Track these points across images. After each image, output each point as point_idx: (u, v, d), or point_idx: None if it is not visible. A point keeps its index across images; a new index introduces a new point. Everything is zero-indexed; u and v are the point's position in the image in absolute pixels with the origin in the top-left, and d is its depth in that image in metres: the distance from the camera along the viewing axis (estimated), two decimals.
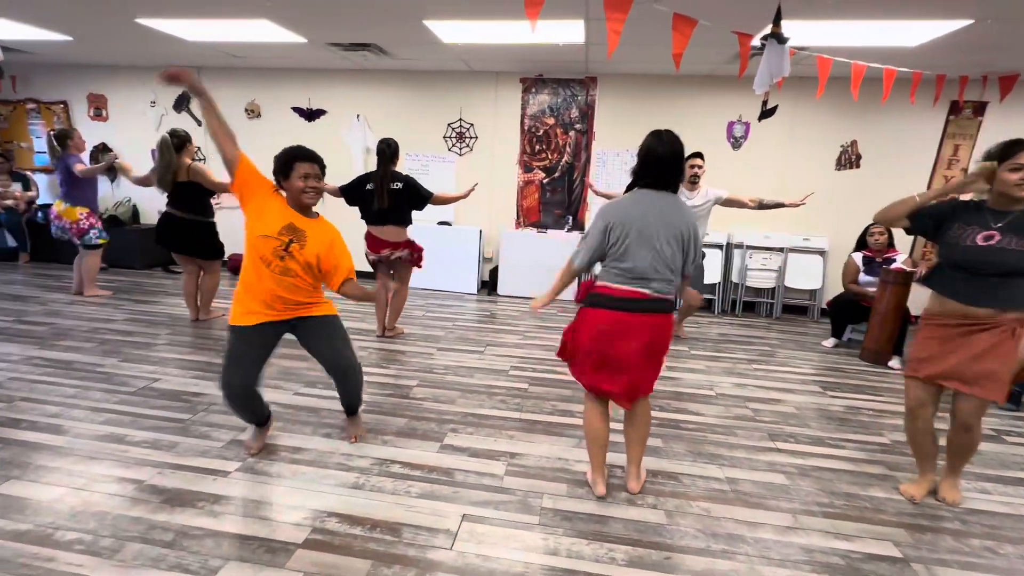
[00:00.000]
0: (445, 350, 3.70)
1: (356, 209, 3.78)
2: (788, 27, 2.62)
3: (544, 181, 5.36)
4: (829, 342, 4.25)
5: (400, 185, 3.65)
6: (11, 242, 6.01)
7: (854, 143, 4.86)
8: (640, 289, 1.87)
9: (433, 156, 5.44)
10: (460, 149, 5.43)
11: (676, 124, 4.99)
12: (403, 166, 5.57)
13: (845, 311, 4.19)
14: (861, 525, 1.96)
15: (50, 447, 2.23)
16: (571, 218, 5.38)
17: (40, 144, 6.21)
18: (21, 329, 3.71)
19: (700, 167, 3.69)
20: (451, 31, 3.78)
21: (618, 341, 1.89)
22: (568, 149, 5.24)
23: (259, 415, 2.24)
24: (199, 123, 5.78)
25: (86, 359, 3.22)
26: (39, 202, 6.21)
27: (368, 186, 3.63)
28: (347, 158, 5.62)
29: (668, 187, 1.91)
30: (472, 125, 5.35)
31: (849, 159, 4.89)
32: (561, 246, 5.24)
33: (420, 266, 3.90)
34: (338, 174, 5.65)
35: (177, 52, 4.96)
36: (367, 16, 3.56)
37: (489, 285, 5.60)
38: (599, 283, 1.95)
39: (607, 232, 1.88)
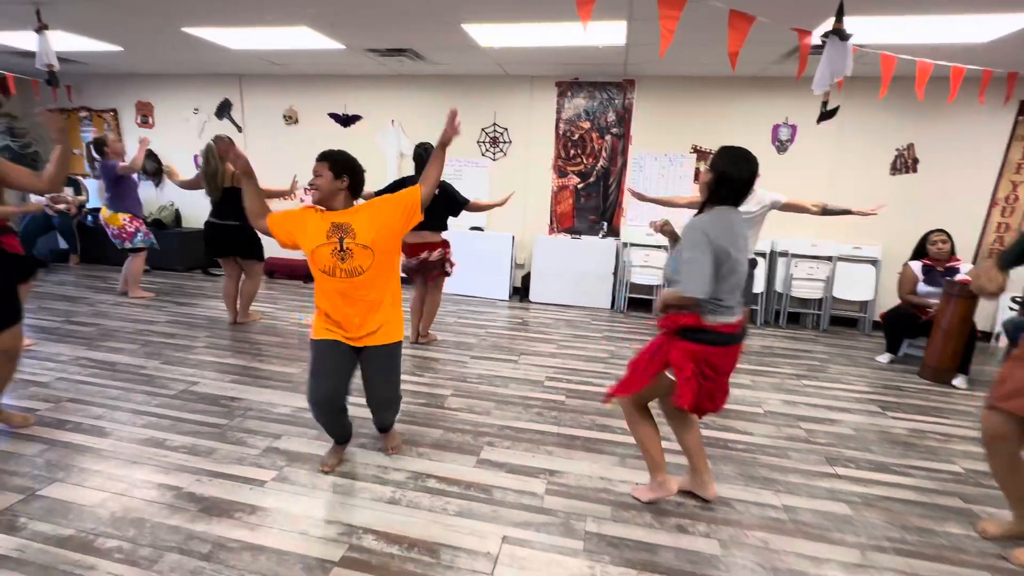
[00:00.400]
0: (479, 358, 3.64)
1: None
2: (849, 23, 2.45)
3: (579, 186, 5.25)
4: (884, 357, 3.99)
5: (436, 192, 3.60)
6: (63, 244, 6.27)
7: (911, 146, 4.58)
8: (739, 317, 1.85)
9: (467, 161, 5.41)
10: (494, 154, 5.38)
11: (718, 127, 4.88)
12: None
13: (901, 324, 3.93)
14: (939, 566, 1.78)
15: (93, 449, 2.26)
16: (606, 224, 5.25)
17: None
18: (70, 329, 3.83)
19: None
20: (489, 35, 3.73)
21: (727, 370, 1.89)
22: (604, 153, 5.12)
23: (344, 432, 2.24)
24: (240, 129, 5.93)
25: (129, 360, 3.29)
26: (88, 206, 6.48)
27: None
28: (382, 163, 5.64)
29: (739, 204, 1.86)
30: (506, 129, 5.29)
31: (905, 163, 4.61)
32: (595, 252, 5.13)
33: (449, 274, 3.85)
34: (373, 180, 5.71)
35: (221, 60, 5.08)
36: (405, 21, 3.54)
37: (521, 291, 5.52)
38: (709, 321, 1.78)
39: (715, 256, 1.74)
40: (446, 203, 3.62)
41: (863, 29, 2.96)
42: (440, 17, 3.42)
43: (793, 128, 4.70)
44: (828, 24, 2.42)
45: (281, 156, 5.83)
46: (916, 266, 3.86)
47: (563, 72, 4.95)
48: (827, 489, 2.22)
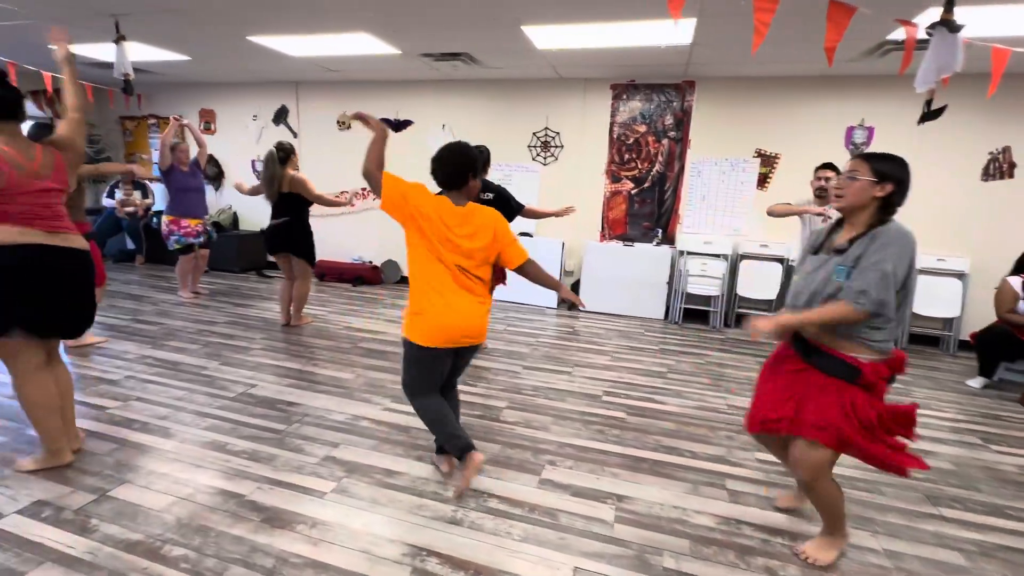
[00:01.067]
0: (532, 369, 3.53)
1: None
2: (960, 14, 2.21)
3: (632, 192, 5.08)
4: (976, 382, 3.62)
5: (491, 196, 3.54)
6: (130, 245, 6.60)
7: (1007, 149, 4.17)
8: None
9: (517, 166, 5.33)
10: (545, 159, 5.28)
11: (784, 129, 4.61)
12: (489, 177, 5.53)
13: (998, 346, 3.55)
14: None
15: (160, 451, 2.28)
16: (660, 231, 5.05)
17: (155, 156, 6.79)
18: (137, 328, 3.97)
19: (831, 180, 3.26)
20: (547, 37, 3.64)
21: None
22: (660, 158, 4.93)
23: (453, 440, 2.01)
24: (295, 135, 6.07)
25: (191, 361, 3.36)
26: (154, 208, 6.79)
27: None
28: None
29: None
30: (558, 134, 5.18)
31: (1000, 168, 4.20)
32: (649, 260, 4.94)
33: (504, 283, 3.74)
34: (428, 184, 5.71)
35: (281, 68, 5.21)
36: (464, 24, 3.50)
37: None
38: (875, 347, 1.60)
39: (908, 274, 1.55)
40: (500, 209, 3.53)
41: (971, 20, 2.69)
42: (499, 19, 3.36)
43: (870, 131, 4.37)
44: (931, 15, 2.20)
45: (334, 160, 5.93)
46: (1016, 282, 3.49)
47: (618, 74, 4.80)
48: (933, 533, 1.97)
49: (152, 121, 6.69)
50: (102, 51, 4.71)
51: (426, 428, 2.32)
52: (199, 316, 4.39)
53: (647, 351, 4.06)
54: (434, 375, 2.07)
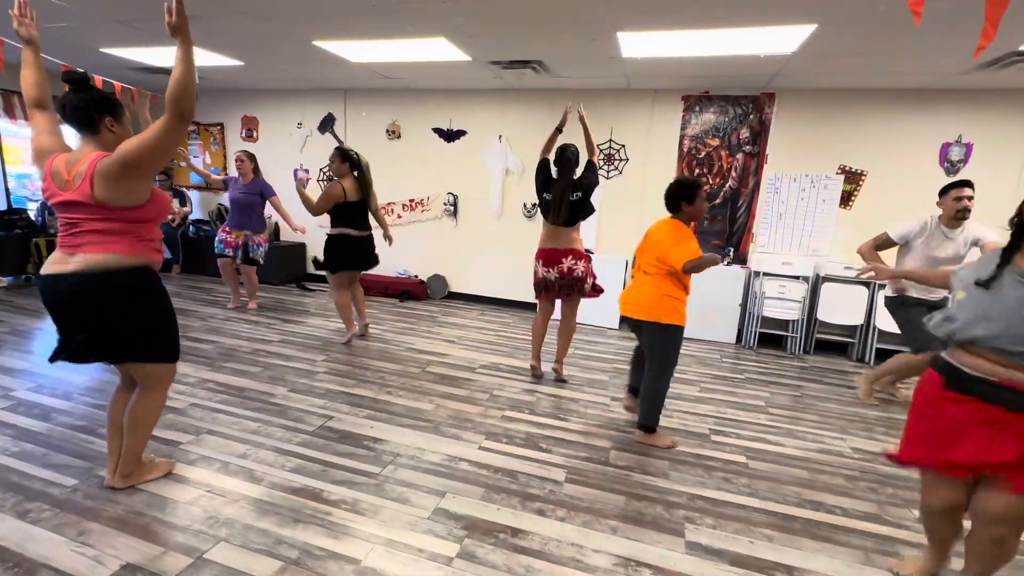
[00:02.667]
0: (620, 399, 3.25)
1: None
2: None
3: None
4: None
5: (580, 195, 3.27)
6: (167, 254, 6.39)
7: None
8: None
9: None
10: (608, 172, 5.03)
11: (872, 145, 4.32)
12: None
13: None
14: None
15: (251, 499, 2.01)
16: (731, 250, 4.78)
17: (197, 163, 6.60)
18: (189, 347, 3.72)
19: (972, 199, 2.98)
20: (639, 44, 3.41)
21: None
22: (734, 173, 4.68)
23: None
24: (341, 144, 5.87)
25: (256, 386, 3.11)
26: (191, 217, 6.60)
27: (546, 196, 3.29)
28: (485, 180, 5.42)
29: None
30: (623, 147, 4.95)
31: None
32: (720, 281, 4.66)
33: (597, 294, 3.46)
34: (477, 196, 5.50)
35: (332, 75, 5.02)
36: (550, 30, 3.28)
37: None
38: None
39: None
40: (585, 202, 3.28)
41: None
42: (594, 26, 3.13)
43: (968, 147, 4.10)
44: None
45: (383, 171, 5.71)
46: None
47: (691, 85, 4.56)
48: None
49: (192, 128, 6.51)
50: (150, 55, 4.53)
51: (531, 473, 2.08)
52: (251, 333, 4.15)
53: (732, 380, 3.77)
54: None
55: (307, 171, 6.05)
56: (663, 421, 2.86)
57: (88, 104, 1.78)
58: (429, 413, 2.89)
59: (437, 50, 3.82)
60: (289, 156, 6.12)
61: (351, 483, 2.17)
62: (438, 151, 5.53)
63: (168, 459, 2.23)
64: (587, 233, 4.53)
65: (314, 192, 5.03)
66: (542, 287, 3.39)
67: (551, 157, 3.36)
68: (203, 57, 4.52)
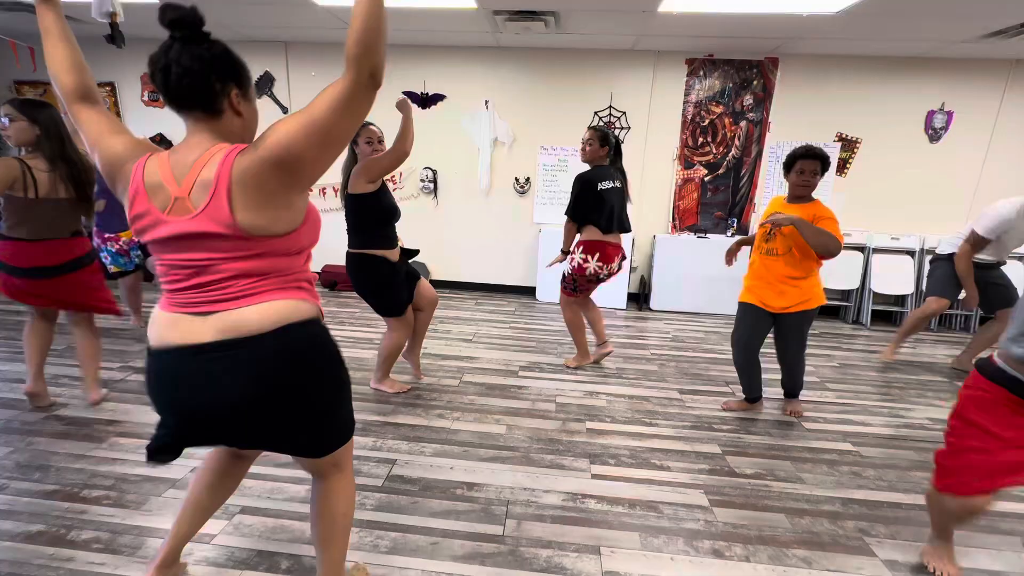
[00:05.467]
0: (690, 392, 3.00)
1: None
2: None
3: (705, 179, 4.67)
4: None
5: (621, 184, 3.05)
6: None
7: None
8: None
9: (573, 150, 4.67)
10: None
11: (865, 112, 4.39)
12: (537, 161, 4.82)
13: None
14: None
15: None
16: (735, 221, 4.72)
17: None
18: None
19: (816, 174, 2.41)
20: None
21: None
22: (737, 142, 4.56)
23: (754, 390, 2.75)
24: (285, 110, 4.86)
25: None
26: None
27: (602, 185, 2.90)
28: (470, 150, 4.80)
29: None
30: (624, 113, 4.60)
31: None
32: (723, 253, 4.58)
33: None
34: (463, 168, 4.85)
35: (275, 22, 4.04)
36: None
37: (638, 298, 4.91)
38: None
39: None
40: (624, 192, 3.08)
41: None
42: None
43: (949, 115, 4.33)
44: None
45: None
46: None
47: (696, 47, 4.31)
48: None
49: None
50: None
51: (670, 501, 1.76)
52: None
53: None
54: None
55: None
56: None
57: (207, 65, 1.02)
58: (505, 438, 2.42)
59: None
60: None
61: (479, 557, 1.67)
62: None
63: (361, 566, 1.58)
64: None
65: None
66: (595, 282, 3.08)
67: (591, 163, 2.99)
68: None
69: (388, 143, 2.57)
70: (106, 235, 3.38)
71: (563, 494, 2.02)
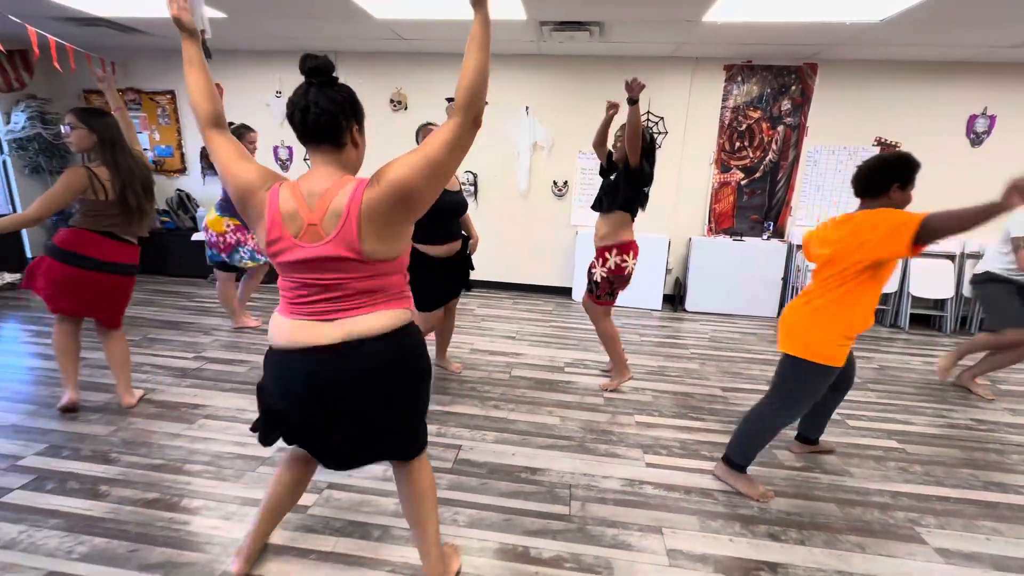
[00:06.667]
0: (737, 390, 3.10)
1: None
2: None
3: (742, 182, 4.74)
4: None
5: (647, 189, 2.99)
6: None
7: None
8: None
9: None
10: None
11: (905, 117, 4.42)
12: (575, 164, 4.95)
13: None
14: None
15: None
16: (771, 224, 4.77)
17: (141, 140, 5.44)
18: (218, 371, 3.03)
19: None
20: (730, 7, 3.13)
21: None
22: (774, 146, 4.62)
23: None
24: None
25: None
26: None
27: (646, 190, 2.97)
28: (510, 155, 4.96)
29: None
30: (661, 119, 4.70)
31: None
32: (762, 255, 4.66)
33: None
34: (504, 173, 5.01)
35: (327, 34, 4.25)
36: None
37: (673, 300, 5.00)
38: None
39: None
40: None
41: None
42: None
43: (991, 119, 4.33)
44: None
45: (386, 147, 5.03)
46: None
47: (735, 53, 4.39)
48: None
49: (132, 97, 5.33)
50: (91, 3, 3.54)
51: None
52: None
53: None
54: None
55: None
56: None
57: (338, 106, 1.21)
58: (559, 428, 2.56)
59: (498, 6, 3.30)
60: (264, 131, 5.20)
61: (551, 532, 1.82)
62: None
63: (451, 544, 1.72)
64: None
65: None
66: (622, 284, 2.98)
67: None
68: (142, 6, 3.57)
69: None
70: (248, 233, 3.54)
71: (621, 480, 2.15)
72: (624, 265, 2.89)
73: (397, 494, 1.55)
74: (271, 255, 1.23)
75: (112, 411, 2.52)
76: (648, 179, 2.83)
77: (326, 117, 1.19)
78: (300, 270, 1.21)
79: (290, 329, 1.24)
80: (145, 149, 5.46)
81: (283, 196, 1.20)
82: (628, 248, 2.89)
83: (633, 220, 2.91)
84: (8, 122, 5.04)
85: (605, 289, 2.90)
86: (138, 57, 5.21)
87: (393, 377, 1.26)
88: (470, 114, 1.15)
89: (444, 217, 2.72)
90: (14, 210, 5.23)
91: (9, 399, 2.61)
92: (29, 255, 5.27)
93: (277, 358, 1.29)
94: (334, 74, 1.24)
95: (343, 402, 1.25)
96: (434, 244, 2.72)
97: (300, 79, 1.23)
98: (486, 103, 1.19)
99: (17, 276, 4.91)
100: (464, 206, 2.84)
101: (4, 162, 5.18)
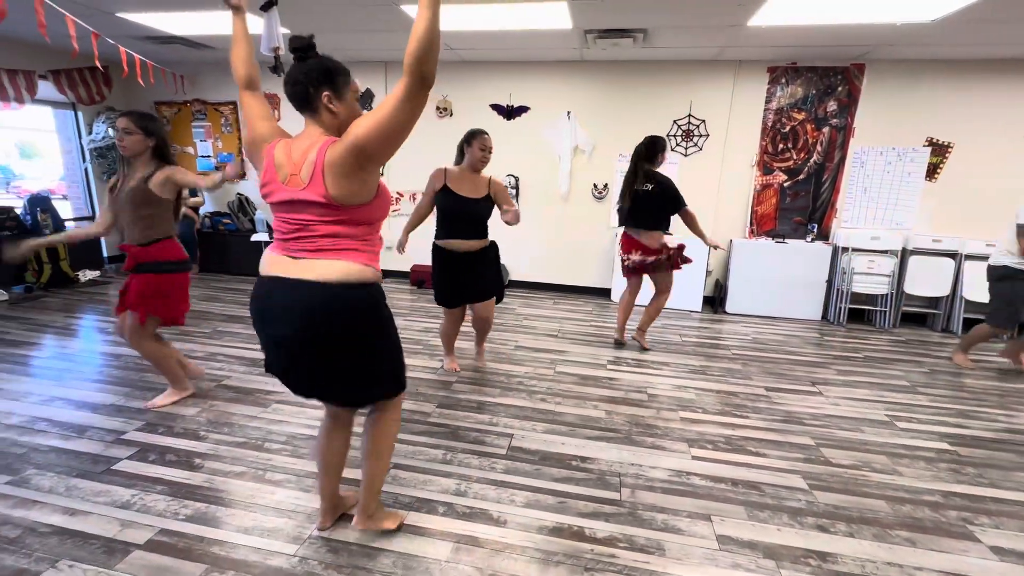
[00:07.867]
0: (778, 390, 3.12)
1: None
2: None
3: (785, 184, 4.72)
4: None
5: (651, 187, 3.38)
6: None
7: None
8: None
9: None
10: (686, 148, 4.82)
11: (959, 116, 4.30)
12: (615, 168, 5.03)
13: None
14: None
15: (514, 547, 1.73)
16: (815, 227, 4.73)
17: (205, 148, 5.86)
18: None
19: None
20: (779, 10, 3.17)
21: None
22: (819, 148, 4.59)
23: None
24: None
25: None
26: (205, 210, 5.88)
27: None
28: (552, 159, 5.09)
29: None
30: (703, 121, 4.74)
31: None
32: (805, 258, 4.62)
33: (679, 267, 3.56)
34: (543, 178, 5.16)
35: (378, 45, 4.49)
36: None
37: (713, 301, 5.01)
38: None
39: None
40: (663, 201, 3.39)
41: None
42: None
43: None
44: None
45: (433, 153, 5.24)
46: None
47: (778, 55, 4.39)
48: None
49: (198, 108, 5.73)
50: (169, 20, 3.87)
51: (771, 482, 1.92)
52: None
53: (855, 359, 3.75)
54: None
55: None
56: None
57: (304, 75, 1.41)
58: (606, 421, 2.66)
59: (546, 17, 3.44)
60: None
61: (603, 515, 1.92)
62: (496, 129, 5.09)
63: (395, 510, 1.89)
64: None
65: None
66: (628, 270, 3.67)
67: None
68: (215, 22, 3.87)
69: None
70: None
71: (668, 470, 2.23)
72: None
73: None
74: (263, 196, 1.46)
75: (194, 395, 2.77)
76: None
77: (298, 88, 1.41)
78: (283, 210, 1.43)
79: (268, 261, 1.47)
80: (208, 156, 5.86)
81: (278, 149, 1.43)
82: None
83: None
84: (91, 132, 5.51)
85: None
86: (204, 71, 5.60)
87: (332, 325, 1.42)
88: (417, 74, 1.25)
89: (453, 218, 2.90)
90: (93, 214, 5.70)
91: (107, 383, 2.91)
92: (105, 255, 5.73)
93: (256, 283, 1.50)
94: (312, 51, 1.44)
95: (289, 334, 1.43)
96: (446, 239, 2.92)
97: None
98: (436, 64, 1.26)
99: (97, 273, 5.35)
100: (477, 215, 2.92)
101: (86, 169, 5.66)
